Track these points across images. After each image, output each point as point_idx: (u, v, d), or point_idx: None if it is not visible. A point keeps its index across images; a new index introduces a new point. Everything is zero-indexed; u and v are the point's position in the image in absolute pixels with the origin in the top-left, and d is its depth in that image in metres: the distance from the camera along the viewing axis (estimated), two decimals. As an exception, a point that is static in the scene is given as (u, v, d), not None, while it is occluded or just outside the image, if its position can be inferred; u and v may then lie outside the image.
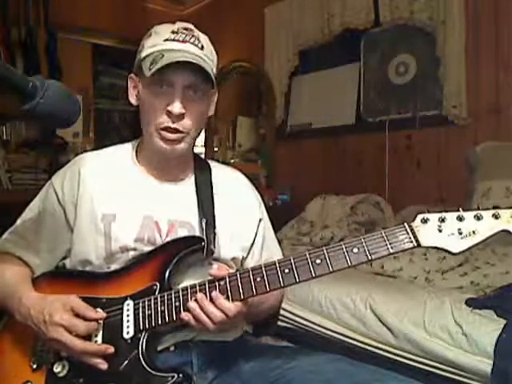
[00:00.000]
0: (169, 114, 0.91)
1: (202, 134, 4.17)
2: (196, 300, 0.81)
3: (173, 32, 0.94)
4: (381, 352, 1.64)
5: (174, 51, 0.90)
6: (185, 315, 0.82)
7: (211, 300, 0.81)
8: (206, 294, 0.82)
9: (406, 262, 1.92)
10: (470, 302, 1.49)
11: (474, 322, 1.41)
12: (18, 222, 1.03)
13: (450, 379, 1.45)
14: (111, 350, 0.82)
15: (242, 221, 1.05)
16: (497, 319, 1.40)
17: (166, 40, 0.92)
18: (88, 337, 0.84)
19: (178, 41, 0.92)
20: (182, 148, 0.95)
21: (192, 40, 0.94)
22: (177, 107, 0.90)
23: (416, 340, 1.51)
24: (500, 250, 1.86)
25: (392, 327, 1.59)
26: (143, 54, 0.94)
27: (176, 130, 0.92)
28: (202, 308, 0.81)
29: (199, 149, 4.15)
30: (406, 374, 0.88)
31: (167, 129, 0.92)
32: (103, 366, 0.82)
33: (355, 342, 1.72)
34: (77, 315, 0.83)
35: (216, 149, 4.21)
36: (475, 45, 2.44)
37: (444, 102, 2.53)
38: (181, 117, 0.91)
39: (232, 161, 3.99)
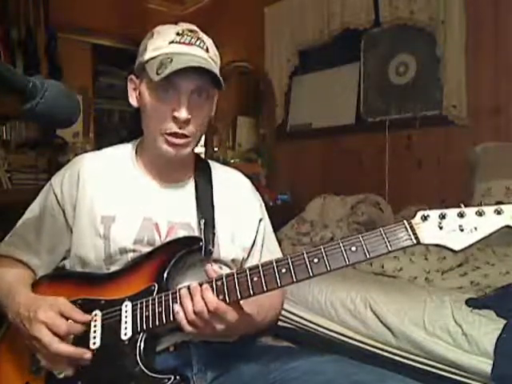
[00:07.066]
0: (175, 119, 0.90)
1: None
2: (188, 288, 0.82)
3: (177, 34, 0.91)
4: (381, 352, 1.64)
5: (181, 55, 0.88)
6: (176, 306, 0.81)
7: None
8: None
9: (406, 262, 1.91)
10: (469, 302, 1.49)
11: (474, 322, 1.41)
12: (19, 223, 1.03)
13: (449, 379, 1.45)
14: (88, 355, 0.81)
15: (243, 221, 1.05)
16: (497, 319, 1.40)
17: (172, 42, 0.90)
18: (86, 339, 0.84)
19: (184, 43, 0.90)
20: (187, 152, 0.95)
21: (198, 43, 0.92)
22: (184, 113, 0.89)
23: (416, 340, 1.51)
24: (500, 250, 1.87)
25: (392, 327, 1.59)
26: (147, 57, 0.91)
27: (183, 135, 0.92)
28: (190, 293, 0.81)
29: (199, 149, 4.15)
30: (406, 374, 0.88)
31: (174, 134, 0.91)
32: (68, 372, 0.82)
33: (355, 342, 1.72)
34: (63, 316, 0.83)
35: (216, 149, 4.21)
36: (475, 45, 2.44)
37: (444, 102, 2.53)
38: (187, 122, 0.91)
39: (232, 161, 3.99)
